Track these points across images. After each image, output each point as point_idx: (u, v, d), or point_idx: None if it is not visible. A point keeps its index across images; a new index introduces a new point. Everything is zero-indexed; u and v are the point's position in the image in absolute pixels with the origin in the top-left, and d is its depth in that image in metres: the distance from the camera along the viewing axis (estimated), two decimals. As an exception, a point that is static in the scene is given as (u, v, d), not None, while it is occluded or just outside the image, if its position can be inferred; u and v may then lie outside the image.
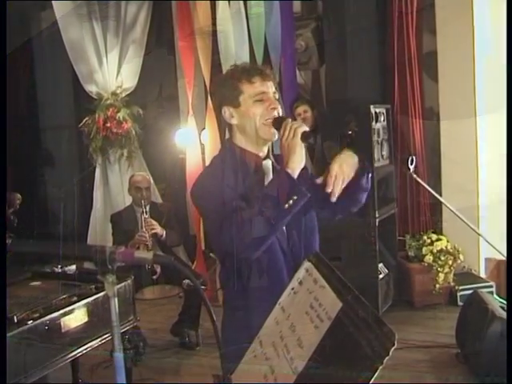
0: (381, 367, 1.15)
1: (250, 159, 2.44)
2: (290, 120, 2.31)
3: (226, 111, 2.46)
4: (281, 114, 2.41)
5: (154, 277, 5.66)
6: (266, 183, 2.40)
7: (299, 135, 2.23)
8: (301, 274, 1.69)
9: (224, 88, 2.47)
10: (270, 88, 2.41)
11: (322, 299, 1.49)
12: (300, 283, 1.67)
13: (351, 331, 1.29)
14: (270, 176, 2.44)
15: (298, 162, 2.26)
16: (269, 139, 2.43)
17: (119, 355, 1.26)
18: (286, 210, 2.18)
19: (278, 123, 2.34)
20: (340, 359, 1.29)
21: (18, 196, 5.03)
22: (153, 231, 5.60)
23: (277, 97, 2.43)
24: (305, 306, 1.54)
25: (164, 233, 5.67)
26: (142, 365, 5.17)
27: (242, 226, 2.14)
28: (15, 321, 3.34)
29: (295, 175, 2.23)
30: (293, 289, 1.69)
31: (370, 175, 2.60)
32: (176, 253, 6.36)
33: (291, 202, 2.17)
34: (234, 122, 2.45)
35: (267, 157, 2.48)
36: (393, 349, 1.15)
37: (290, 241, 2.41)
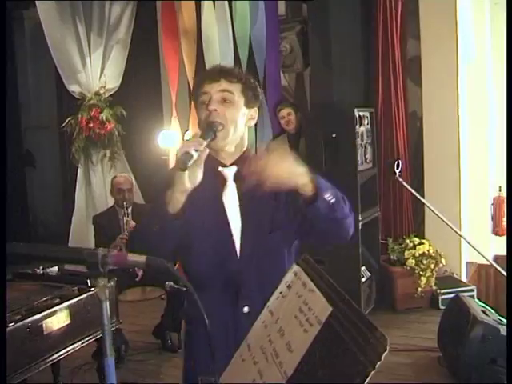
0: (373, 372, 1.15)
1: (210, 165, 2.22)
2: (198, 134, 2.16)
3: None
4: (219, 120, 2.20)
5: (137, 279, 5.62)
6: (225, 192, 2.30)
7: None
8: (289, 277, 1.68)
9: (192, 92, 2.47)
10: (216, 87, 2.25)
11: (312, 303, 1.48)
12: (288, 287, 1.66)
13: (342, 336, 1.28)
14: (230, 184, 2.31)
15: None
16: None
17: (111, 360, 1.25)
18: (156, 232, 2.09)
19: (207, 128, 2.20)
20: (330, 364, 1.28)
21: None
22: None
23: (232, 100, 2.25)
24: (294, 310, 1.53)
25: (146, 234, 5.61)
26: (124, 367, 5.15)
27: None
28: (-4, 322, 3.31)
29: None
30: (281, 292, 1.67)
31: (331, 198, 2.11)
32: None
33: (158, 226, 2.08)
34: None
35: (233, 163, 2.31)
36: (385, 353, 1.15)
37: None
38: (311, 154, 6.01)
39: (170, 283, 4.80)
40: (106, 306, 1.29)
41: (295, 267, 1.68)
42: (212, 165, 2.26)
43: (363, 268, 6.09)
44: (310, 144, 6.06)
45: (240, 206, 2.29)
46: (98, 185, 7.69)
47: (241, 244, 2.27)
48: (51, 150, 9.81)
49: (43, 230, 9.65)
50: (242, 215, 2.28)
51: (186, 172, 2.01)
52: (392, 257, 6.42)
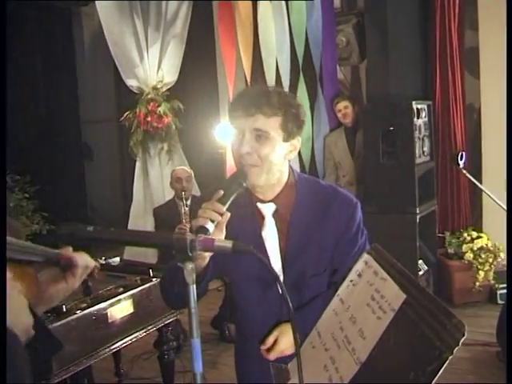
0: (450, 357, 1.17)
1: (248, 200, 2.19)
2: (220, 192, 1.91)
3: None
4: (252, 162, 2.05)
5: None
6: (264, 228, 2.20)
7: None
8: (360, 266, 1.70)
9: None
10: (250, 124, 2.03)
11: (384, 291, 1.50)
12: (359, 275, 1.68)
13: (417, 322, 1.30)
14: (269, 221, 2.19)
15: None
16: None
17: (197, 341, 1.29)
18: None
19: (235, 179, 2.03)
20: (406, 350, 1.30)
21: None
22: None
23: (268, 136, 2.04)
24: (365, 298, 1.55)
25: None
26: (182, 356, 5.22)
27: None
28: (64, 310, 3.40)
29: None
30: (351, 281, 1.70)
31: None
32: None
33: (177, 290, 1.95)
34: None
35: (272, 200, 2.19)
36: (462, 339, 1.17)
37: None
38: (368, 147, 6.01)
39: (229, 275, 4.84)
40: (193, 289, 1.34)
41: (365, 256, 1.70)
42: (250, 199, 2.19)
43: (420, 261, 6.06)
44: (368, 137, 6.05)
45: (280, 245, 2.19)
46: (155, 178, 7.78)
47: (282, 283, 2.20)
48: (109, 144, 10.00)
49: (101, 222, 9.82)
50: (282, 256, 2.18)
51: None
52: (449, 250, 6.38)
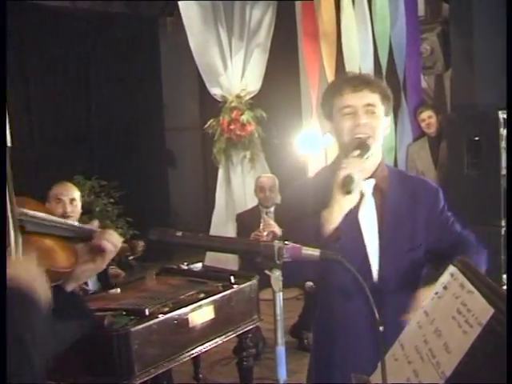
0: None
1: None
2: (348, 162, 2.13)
3: (327, 125, 2.38)
4: (369, 132, 2.21)
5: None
6: (361, 208, 2.23)
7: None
8: (445, 278, 1.68)
9: (323, 101, 2.37)
10: (360, 100, 2.20)
11: (471, 304, 1.47)
12: (445, 288, 1.66)
13: (505, 338, 1.28)
14: (368, 198, 2.25)
15: None
16: None
17: (282, 349, 1.31)
18: None
19: (360, 146, 2.19)
20: (493, 365, 1.28)
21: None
22: (270, 230, 5.57)
23: (375, 111, 2.23)
24: (451, 311, 1.53)
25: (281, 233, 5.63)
26: (261, 364, 5.24)
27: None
28: (146, 313, 3.48)
29: None
30: (437, 293, 1.68)
31: None
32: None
33: None
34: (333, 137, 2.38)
35: (371, 176, 2.26)
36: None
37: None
38: (453, 158, 5.91)
39: (310, 283, 4.85)
40: (280, 296, 1.35)
41: (451, 268, 1.68)
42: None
43: (504, 276, 5.91)
44: (452, 147, 5.95)
45: (379, 222, 2.24)
46: (237, 185, 7.84)
47: (379, 266, 2.23)
48: (193, 151, 10.15)
49: (184, 228, 9.92)
50: (380, 233, 2.23)
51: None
52: (535, 264, 6.19)
